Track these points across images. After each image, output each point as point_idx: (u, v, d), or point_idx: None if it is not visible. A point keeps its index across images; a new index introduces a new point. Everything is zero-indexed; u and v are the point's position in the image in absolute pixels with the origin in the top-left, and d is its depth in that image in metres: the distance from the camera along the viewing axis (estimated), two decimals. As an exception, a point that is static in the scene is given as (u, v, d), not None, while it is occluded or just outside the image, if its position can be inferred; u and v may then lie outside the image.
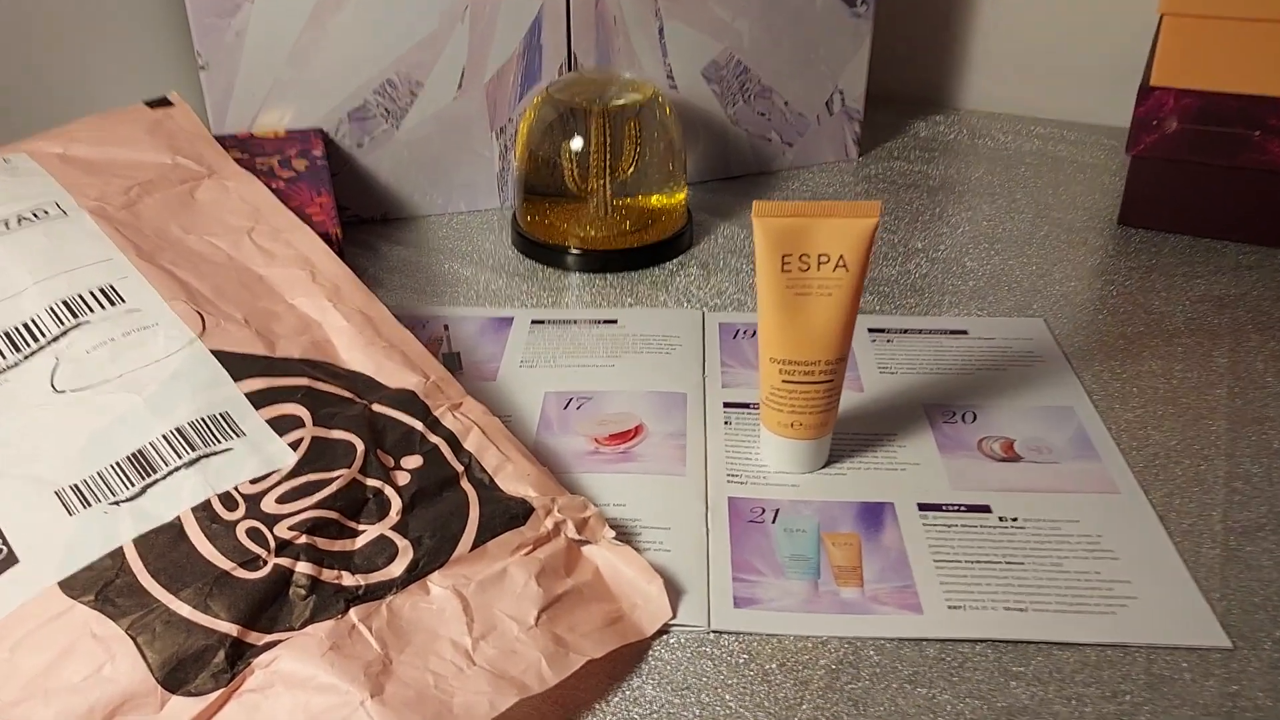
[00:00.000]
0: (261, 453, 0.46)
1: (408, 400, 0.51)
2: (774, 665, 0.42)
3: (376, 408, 0.50)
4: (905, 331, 0.64)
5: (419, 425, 0.50)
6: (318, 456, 0.46)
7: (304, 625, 0.40)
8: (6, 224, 0.56)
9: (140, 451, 0.45)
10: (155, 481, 0.44)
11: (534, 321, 0.67)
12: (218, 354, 0.50)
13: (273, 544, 0.42)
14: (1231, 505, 0.50)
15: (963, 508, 0.50)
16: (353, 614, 0.41)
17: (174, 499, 0.43)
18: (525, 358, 0.63)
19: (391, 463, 0.47)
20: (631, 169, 0.73)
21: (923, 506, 0.50)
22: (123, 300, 0.52)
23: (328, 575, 0.42)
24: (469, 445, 0.49)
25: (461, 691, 0.39)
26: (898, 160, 0.89)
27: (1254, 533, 0.49)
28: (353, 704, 0.38)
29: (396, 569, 0.43)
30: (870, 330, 0.65)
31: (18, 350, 0.50)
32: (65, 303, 0.51)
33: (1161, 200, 0.75)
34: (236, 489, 0.44)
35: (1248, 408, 0.57)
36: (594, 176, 0.73)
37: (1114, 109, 0.94)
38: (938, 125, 0.95)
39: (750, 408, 0.58)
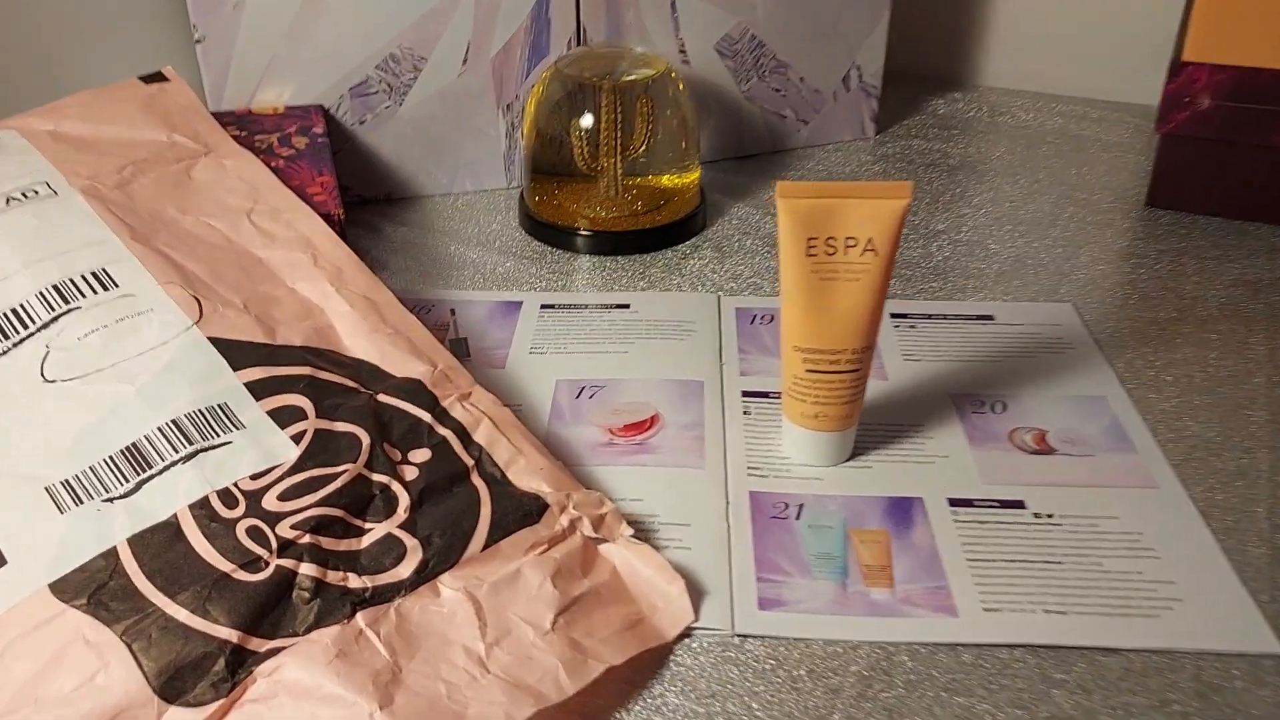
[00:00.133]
0: (262, 446, 0.43)
1: (414, 390, 0.49)
2: (803, 672, 0.40)
3: (382, 398, 0.48)
4: (929, 317, 0.62)
5: (427, 417, 0.47)
6: (321, 450, 0.44)
7: (308, 630, 0.38)
8: (-6, 204, 0.53)
9: (134, 445, 0.43)
10: (150, 477, 0.42)
11: (543, 306, 0.65)
12: (215, 342, 0.48)
13: (275, 544, 0.40)
14: (1277, 500, 0.48)
15: (995, 503, 0.48)
16: (359, 618, 0.39)
17: (170, 496, 0.41)
18: (535, 344, 0.61)
19: (398, 456, 0.45)
20: (643, 147, 0.71)
21: (953, 502, 0.48)
22: (116, 285, 0.50)
23: (333, 577, 0.40)
24: (479, 438, 0.47)
25: (475, 702, 0.37)
26: (916, 139, 0.86)
27: (1299, 530, 0.47)
28: (361, 716, 0.36)
29: (405, 570, 0.41)
30: (893, 315, 0.62)
31: (6, 338, 0.47)
32: (56, 287, 0.49)
33: (1192, 180, 0.73)
34: (236, 485, 0.42)
35: (1287, 397, 0.55)
36: (604, 155, 0.71)
37: (1138, 86, 0.91)
38: (956, 103, 0.92)
39: (770, 397, 0.56)
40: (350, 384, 0.48)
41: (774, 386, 0.56)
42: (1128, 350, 0.59)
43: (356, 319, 0.52)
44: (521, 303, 0.65)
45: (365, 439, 0.45)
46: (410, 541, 0.42)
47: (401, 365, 0.50)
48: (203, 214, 0.57)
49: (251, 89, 0.72)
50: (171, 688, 0.36)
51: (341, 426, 0.45)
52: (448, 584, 0.40)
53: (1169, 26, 0.88)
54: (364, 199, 0.78)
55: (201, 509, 0.41)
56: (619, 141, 0.70)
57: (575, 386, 0.57)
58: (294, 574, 0.39)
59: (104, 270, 0.50)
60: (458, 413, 0.48)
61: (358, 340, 0.51)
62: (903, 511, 0.48)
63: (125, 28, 0.78)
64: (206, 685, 0.36)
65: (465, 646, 0.38)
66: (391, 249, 0.72)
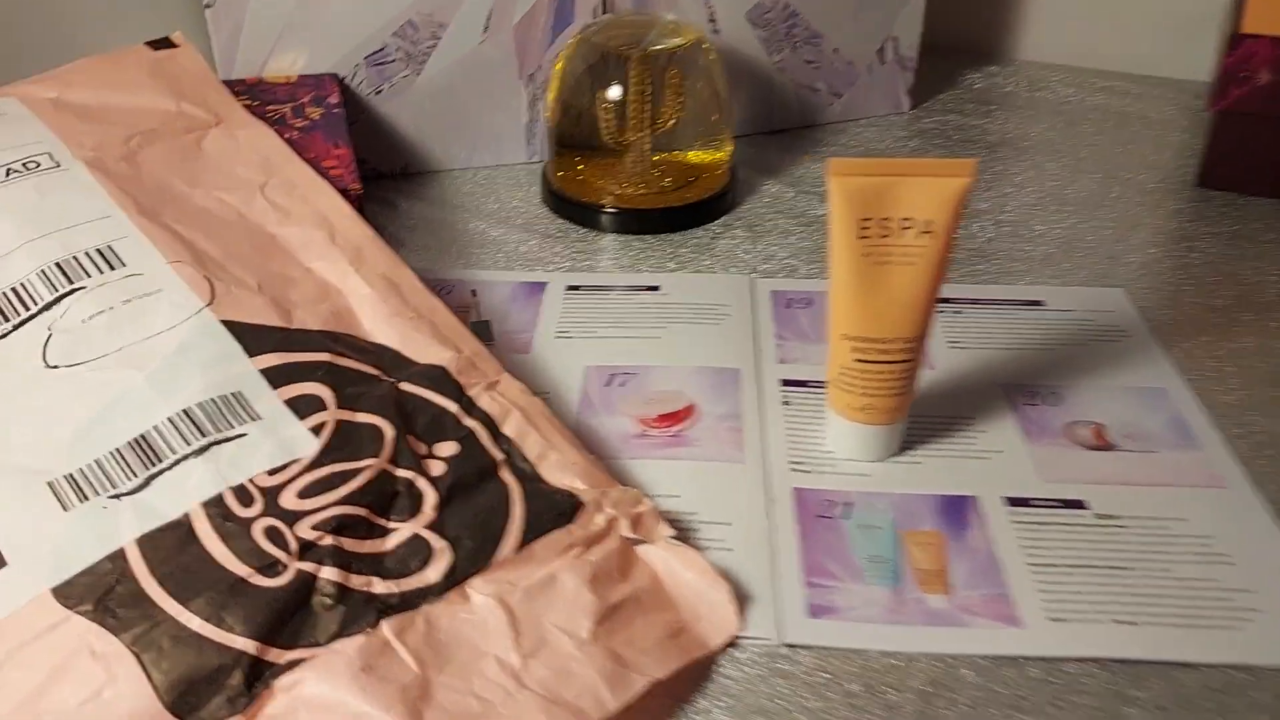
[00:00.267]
0: (279, 439, 0.41)
1: (439, 378, 0.46)
2: (858, 686, 0.38)
3: (405, 386, 0.45)
4: (975, 302, 0.59)
5: (452, 406, 0.45)
6: (343, 443, 0.41)
7: (331, 640, 0.35)
8: (-6, 177, 0.51)
9: (143, 437, 0.40)
10: (160, 472, 0.39)
11: (569, 287, 0.62)
12: (228, 325, 0.45)
13: (294, 546, 0.37)
14: (1354, 503, 0.46)
15: (1055, 503, 0.45)
16: (385, 627, 0.36)
17: (181, 492, 0.38)
18: (561, 327, 0.58)
19: (423, 450, 0.42)
20: (673, 121, 0.68)
21: (1010, 501, 0.45)
22: (122, 263, 0.47)
23: (356, 581, 0.37)
24: (508, 430, 0.44)
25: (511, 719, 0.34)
26: (952, 114, 0.83)
27: (1378, 534, 0.44)
28: (388, 734, 0.33)
29: (433, 574, 0.38)
30: (938, 300, 0.59)
31: (5, 319, 0.45)
32: (59, 265, 0.46)
33: (1247, 160, 0.69)
34: (252, 481, 0.39)
35: (1356, 391, 0.52)
36: (632, 128, 0.68)
37: (1182, 60, 0.87)
38: (993, 76, 0.89)
39: (810, 386, 0.53)
40: (371, 371, 0.45)
41: (814, 375, 0.54)
42: (1185, 339, 0.56)
43: (377, 301, 0.49)
44: (546, 283, 0.62)
45: (389, 431, 0.42)
46: (438, 543, 0.39)
47: (424, 351, 0.47)
48: (214, 188, 0.54)
49: (263, 56, 0.69)
50: (184, 703, 0.34)
51: (363, 417, 0.43)
52: (478, 589, 0.38)
53: (1217, -2, 0.84)
54: (379, 173, 0.75)
55: (215, 507, 0.38)
56: (648, 114, 0.67)
57: (605, 373, 0.54)
58: (314, 578, 0.37)
59: (109, 248, 0.47)
60: (485, 403, 0.45)
61: (378, 324, 0.48)
62: (956, 511, 0.45)
63: (131, -9, 0.75)
64: (221, 700, 0.34)
65: (499, 658, 0.36)
66: (409, 226, 0.69)
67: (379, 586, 0.37)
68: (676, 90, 0.67)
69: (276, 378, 0.43)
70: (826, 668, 0.38)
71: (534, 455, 0.43)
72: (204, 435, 0.40)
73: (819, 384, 0.53)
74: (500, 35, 0.72)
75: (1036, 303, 0.59)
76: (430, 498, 0.40)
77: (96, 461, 0.39)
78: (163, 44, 0.64)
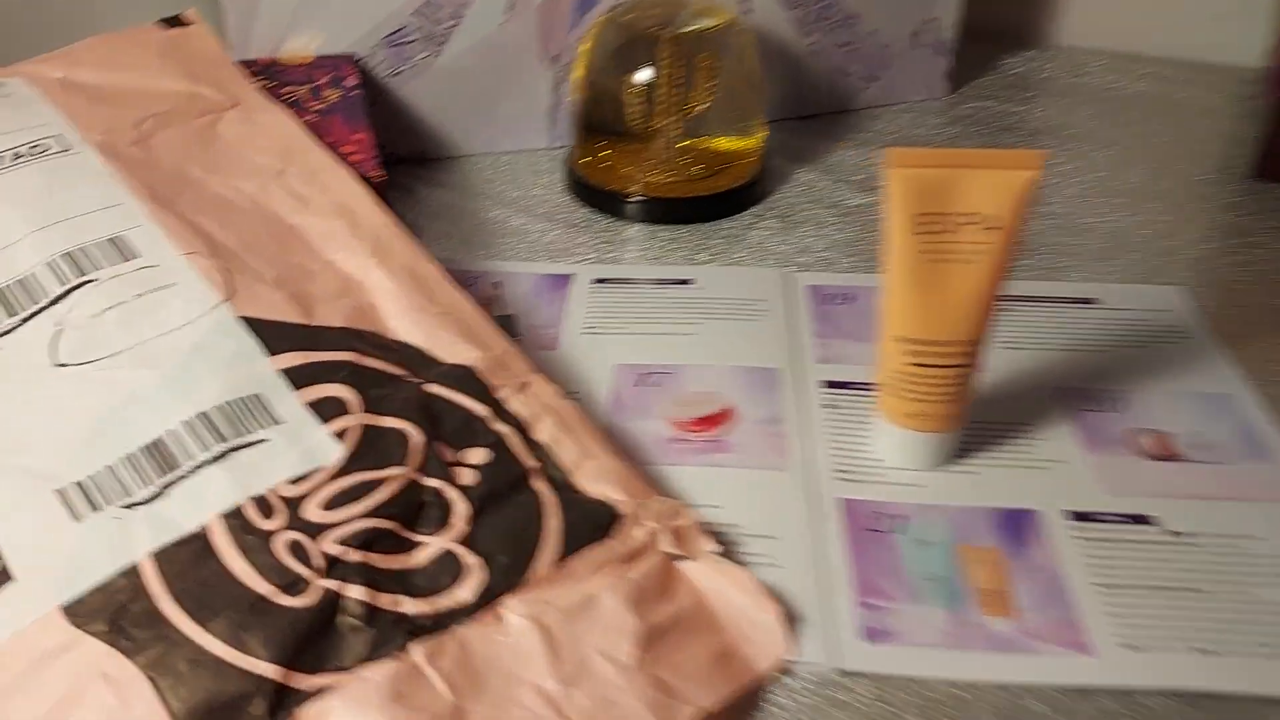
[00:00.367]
0: (301, 445, 0.38)
1: (466, 378, 0.43)
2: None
3: (431, 388, 0.43)
4: (1026, 299, 0.56)
5: (482, 410, 0.42)
6: (367, 450, 0.39)
7: (358, 665, 0.33)
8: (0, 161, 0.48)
9: (158, 442, 0.38)
10: (176, 480, 0.37)
11: (596, 280, 0.59)
12: (246, 321, 0.42)
13: (318, 561, 0.35)
14: None
15: (1120, 518, 0.43)
16: (416, 651, 0.34)
17: (199, 503, 0.36)
18: (588, 323, 0.55)
19: (452, 457, 0.40)
20: (703, 106, 0.65)
21: (1072, 515, 0.43)
22: (135, 255, 0.44)
23: (384, 600, 0.35)
24: (541, 435, 0.42)
25: (552, 754, 0.32)
26: (990, 100, 0.80)
27: None
28: (421, 770, 0.31)
29: (465, 592, 0.36)
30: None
31: (12, 313, 0.42)
32: (67, 256, 0.44)
33: (1304, 151, 0.66)
34: (273, 491, 0.37)
35: None
36: (661, 114, 0.65)
37: (1230, 46, 0.84)
38: (1031, 61, 0.86)
39: (854, 388, 0.50)
40: (396, 371, 0.43)
41: (857, 377, 0.51)
42: (1251, 340, 0.53)
43: (400, 295, 0.47)
44: (571, 276, 0.60)
45: (415, 436, 0.40)
46: (470, 559, 0.36)
47: (451, 349, 0.45)
48: (230, 175, 0.51)
49: (279, 36, 0.66)
50: (203, 733, 0.31)
51: (388, 421, 0.40)
52: (513, 610, 0.35)
53: (1268, -19, 0.81)
54: (397, 157, 0.72)
55: (234, 519, 0.36)
56: (677, 99, 0.64)
57: (636, 372, 0.52)
58: (340, 597, 0.34)
59: (121, 238, 0.45)
60: (516, 406, 0.43)
61: (402, 320, 0.46)
62: (1016, 525, 0.42)
63: (141, -33, 0.72)
64: (243, 731, 0.32)
65: (537, 685, 0.34)
66: (428, 214, 0.67)
67: (408, 606, 0.35)
68: (708, 74, 0.64)
69: (297, 379, 0.41)
70: (885, 697, 0.36)
71: (569, 463, 0.41)
72: (222, 441, 0.38)
73: (863, 386, 0.50)
74: (523, 15, 0.69)
75: (1089, 301, 0.56)
76: (460, 509, 0.38)
77: (109, 467, 0.37)
78: (175, 22, 0.61)
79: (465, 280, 0.59)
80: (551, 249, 0.63)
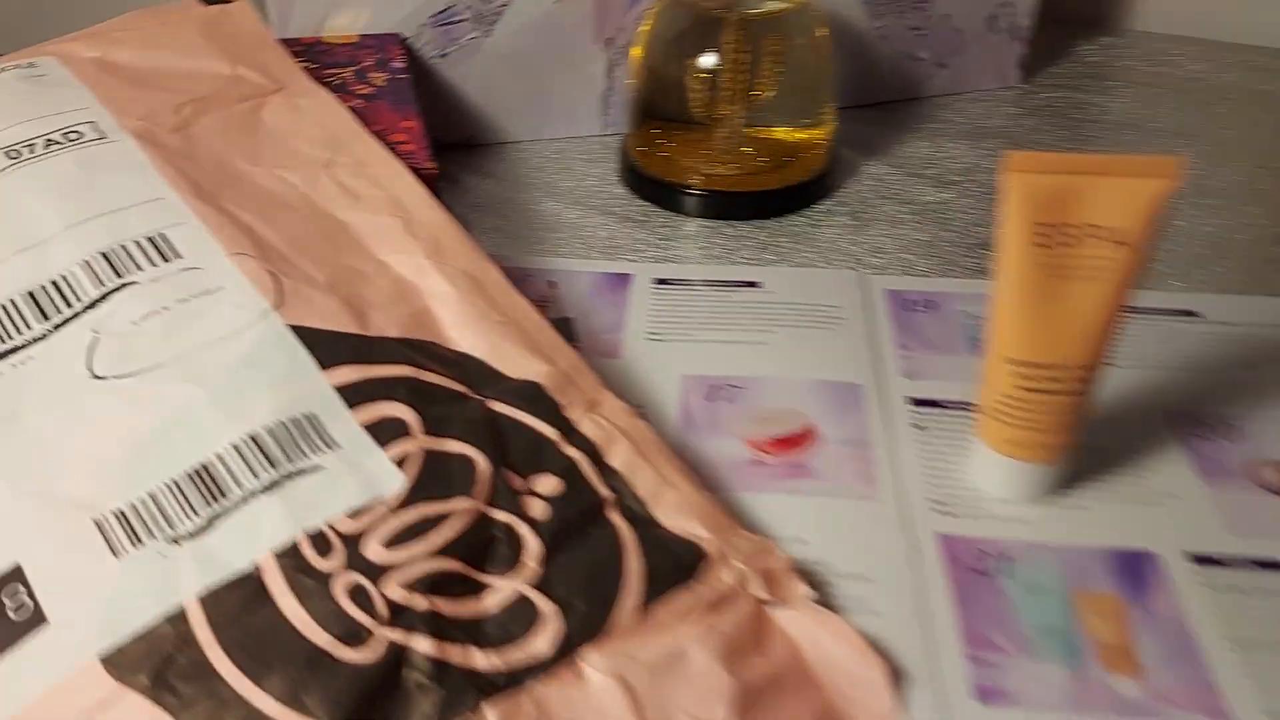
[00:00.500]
0: (360, 473, 0.35)
1: (533, 396, 0.40)
2: (1043, 793, 0.32)
3: (495, 406, 0.39)
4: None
5: (550, 432, 0.39)
6: (431, 479, 0.35)
7: (427, 729, 0.30)
8: (31, 147, 0.45)
9: (205, 467, 0.35)
10: (225, 511, 0.34)
11: (657, 281, 0.56)
12: (298, 331, 0.39)
13: (381, 609, 0.32)
14: None
15: (1251, 563, 0.39)
16: (489, 713, 0.30)
17: (250, 538, 0.33)
18: (652, 328, 0.52)
19: (521, 485, 0.37)
20: (770, 93, 0.61)
21: (1195, 558, 0.39)
22: (177, 255, 0.41)
23: (453, 654, 0.31)
24: (615, 461, 0.38)
25: (643, 835, 0.29)
26: (1067, 89, 0.75)
27: None
28: None
29: (541, 644, 0.32)
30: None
31: (45, 318, 0.39)
32: (105, 255, 0.40)
33: None
34: (331, 526, 0.33)
35: None
36: (725, 101, 0.61)
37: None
38: (1107, 49, 0.81)
39: (943, 407, 0.47)
40: (457, 387, 0.39)
41: (946, 394, 0.47)
42: (1370, 362, 0.49)
43: (460, 302, 0.43)
44: (631, 275, 0.56)
45: (482, 463, 0.36)
46: (545, 605, 0.33)
47: (515, 363, 0.41)
48: (275, 166, 0.48)
49: (322, 14, 0.63)
50: (258, 806, 0.28)
51: (452, 446, 0.37)
52: (594, 665, 0.32)
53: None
54: (442, 143, 0.68)
55: (290, 558, 0.33)
56: (743, 85, 0.60)
57: (705, 384, 0.48)
58: (406, 650, 0.31)
59: (162, 235, 0.41)
60: (587, 427, 0.39)
61: (463, 330, 0.42)
62: (1134, 569, 0.39)
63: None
64: (302, 804, 0.28)
65: (623, 753, 0.30)
66: (475, 205, 0.63)
67: (480, 660, 0.32)
68: (776, 59, 0.60)
69: (353, 396, 0.37)
70: (1002, 767, 0.33)
71: (646, 493, 0.38)
72: (274, 467, 0.35)
73: (954, 405, 0.47)
74: (581, -6, 0.65)
75: (1191, 313, 0.52)
76: (532, 546, 0.35)
77: (151, 495, 0.34)
78: (215, -2, 0.57)
79: (517, 279, 0.55)
80: (607, 245, 0.59)
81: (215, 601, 0.31)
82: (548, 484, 0.37)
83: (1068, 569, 0.39)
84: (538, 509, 0.36)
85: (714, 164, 0.62)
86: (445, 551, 0.33)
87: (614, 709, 0.31)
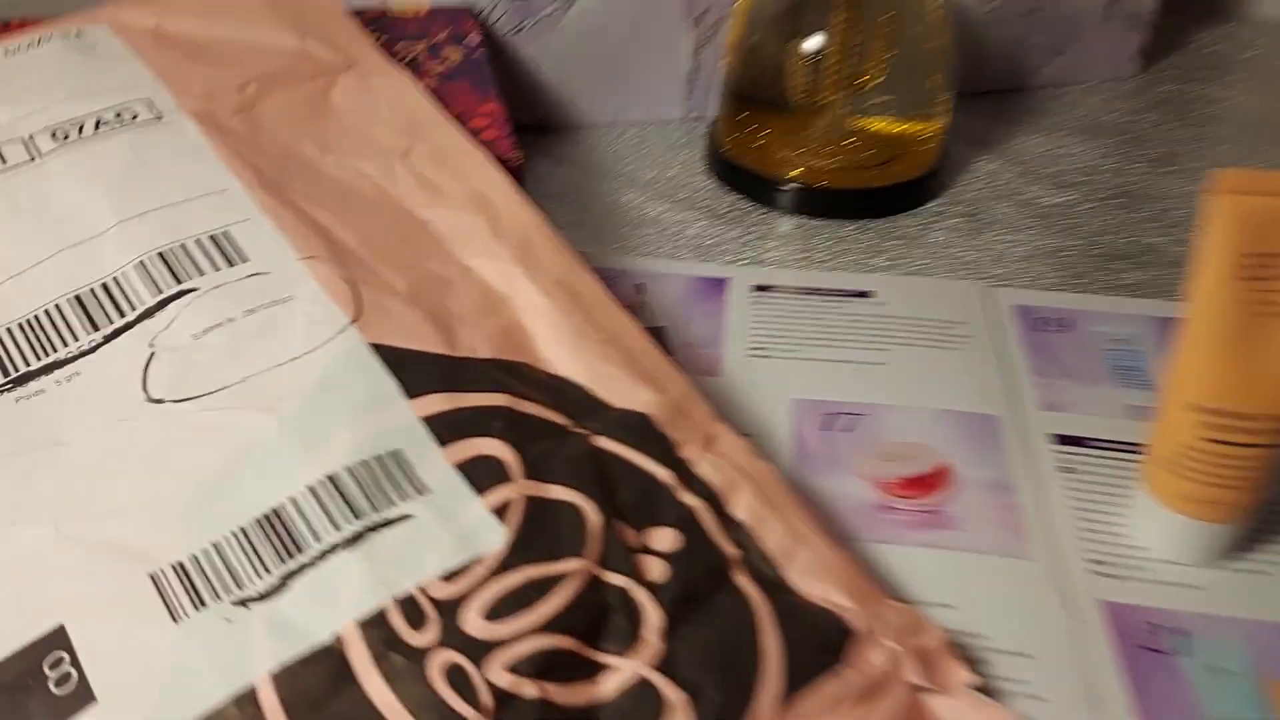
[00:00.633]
0: (455, 526, 0.30)
1: (642, 430, 0.35)
2: None
3: (600, 442, 0.34)
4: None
5: (664, 475, 0.34)
6: (535, 533, 0.31)
7: None
8: (79, 128, 0.40)
9: (278, 513, 0.30)
10: (301, 569, 0.29)
11: (755, 286, 0.50)
12: (379, 351, 0.34)
13: (485, 697, 0.27)
14: None
15: None
16: (614, 830, 0.26)
17: (330, 603, 0.28)
18: (754, 342, 0.47)
19: (634, 540, 0.32)
20: (880, 79, 0.55)
21: (1407, 644, 0.34)
22: (243, 257, 0.36)
23: (570, 753, 0.27)
24: (739, 511, 0.33)
25: None
26: (1189, 82, 0.69)
27: None
28: None
29: (670, 741, 0.28)
30: None
31: (94, 327, 0.34)
32: (163, 257, 0.36)
33: None
34: (424, 591, 0.29)
35: None
36: (829, 86, 0.55)
37: None
38: (1230, 37, 0.74)
39: (1090, 445, 0.41)
40: (557, 419, 0.34)
41: (1094, 431, 0.42)
42: None
43: (555, 316, 0.38)
44: (727, 280, 0.51)
45: (591, 514, 0.31)
46: (671, 692, 0.28)
47: (619, 390, 0.36)
48: (347, 154, 0.43)
49: (392, -18, 0.58)
50: None
51: (556, 492, 0.32)
52: (734, 769, 0.27)
53: None
54: (514, 126, 0.63)
55: (377, 629, 0.28)
56: (850, 69, 0.55)
57: (820, 411, 0.43)
58: (515, 748, 0.27)
59: (226, 234, 0.37)
60: (705, 469, 0.34)
61: (558, 349, 0.37)
62: (1335, 655, 0.34)
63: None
64: None
65: None
66: (550, 195, 0.58)
67: (600, 760, 0.27)
68: (888, 42, 0.55)
69: (444, 430, 0.32)
70: None
71: (777, 551, 0.33)
72: (357, 516, 0.30)
73: (1102, 445, 0.41)
74: (672, -34, 0.60)
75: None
76: (652, 617, 0.30)
77: (215, 546, 0.29)
78: (278, -37, 0.52)
79: (603, 280, 0.50)
80: (697, 244, 0.54)
81: (290, 680, 0.27)
82: (665, 538, 0.32)
83: (1255, 648, 0.33)
84: (655, 569, 0.31)
85: (815, 156, 0.57)
86: (556, 625, 0.29)
87: (758, 826, 0.26)
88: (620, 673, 0.29)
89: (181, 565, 0.29)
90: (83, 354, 0.34)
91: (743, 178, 0.58)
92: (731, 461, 0.35)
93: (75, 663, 0.27)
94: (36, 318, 0.34)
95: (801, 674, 0.29)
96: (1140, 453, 0.41)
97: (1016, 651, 0.34)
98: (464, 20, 0.58)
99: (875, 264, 0.53)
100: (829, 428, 0.42)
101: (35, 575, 0.29)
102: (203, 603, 0.28)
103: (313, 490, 0.30)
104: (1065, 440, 0.42)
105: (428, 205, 0.42)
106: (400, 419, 0.32)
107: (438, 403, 0.33)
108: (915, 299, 0.49)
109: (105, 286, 0.35)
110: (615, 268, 0.52)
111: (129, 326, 0.34)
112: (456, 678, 0.27)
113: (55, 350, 0.34)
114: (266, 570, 0.29)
